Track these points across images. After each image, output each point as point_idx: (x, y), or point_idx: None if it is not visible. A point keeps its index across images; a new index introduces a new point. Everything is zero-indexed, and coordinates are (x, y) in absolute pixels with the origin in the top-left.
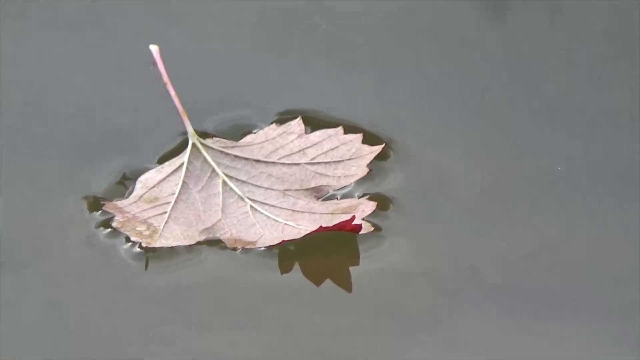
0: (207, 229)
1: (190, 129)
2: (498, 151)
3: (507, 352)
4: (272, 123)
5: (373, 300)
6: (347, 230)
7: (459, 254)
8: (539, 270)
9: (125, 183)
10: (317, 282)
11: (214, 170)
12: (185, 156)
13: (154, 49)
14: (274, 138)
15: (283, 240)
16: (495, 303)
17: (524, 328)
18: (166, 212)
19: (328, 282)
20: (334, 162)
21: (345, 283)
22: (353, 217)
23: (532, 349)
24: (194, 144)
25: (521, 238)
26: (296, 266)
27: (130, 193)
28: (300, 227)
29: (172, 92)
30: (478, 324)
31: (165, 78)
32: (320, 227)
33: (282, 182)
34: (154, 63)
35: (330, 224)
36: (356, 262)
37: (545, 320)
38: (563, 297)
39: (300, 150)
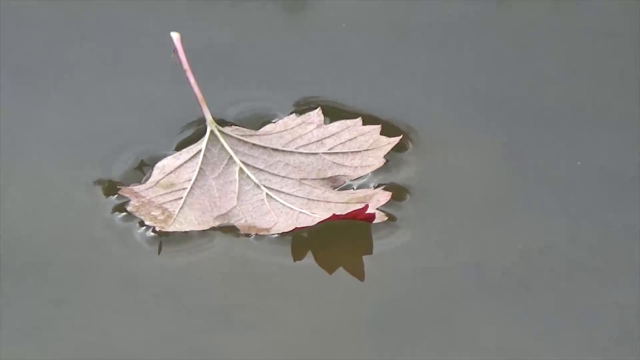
0: (221, 215)
1: (209, 117)
2: (518, 147)
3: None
4: (291, 113)
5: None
6: (360, 219)
7: (470, 248)
8: (555, 268)
9: (143, 169)
10: (330, 270)
11: (231, 158)
12: (203, 143)
13: (175, 36)
14: (292, 128)
15: (296, 228)
16: (507, 299)
17: (525, 327)
18: (182, 198)
19: (340, 270)
20: (351, 152)
21: (357, 272)
22: (366, 206)
23: (532, 349)
24: (212, 132)
25: (536, 235)
26: (309, 253)
27: (147, 179)
28: (315, 215)
29: (192, 80)
30: (485, 322)
31: (186, 65)
32: (334, 215)
33: (299, 171)
34: (175, 50)
35: (344, 213)
36: (369, 252)
37: (545, 320)
38: (564, 296)
39: (318, 140)
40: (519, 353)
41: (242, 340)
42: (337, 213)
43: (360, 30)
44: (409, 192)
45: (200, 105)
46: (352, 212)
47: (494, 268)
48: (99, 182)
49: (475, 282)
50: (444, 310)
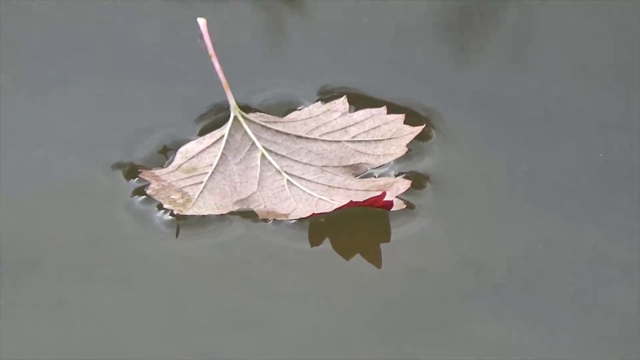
0: (241, 200)
1: (232, 103)
2: (542, 142)
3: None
4: (317, 101)
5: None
6: (378, 207)
7: (485, 241)
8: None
9: (167, 154)
10: (346, 256)
11: (253, 144)
12: (226, 129)
13: (201, 22)
14: (317, 115)
15: (313, 214)
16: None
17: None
18: (202, 182)
19: (357, 257)
20: (374, 140)
21: (374, 258)
22: (384, 194)
23: (532, 349)
24: (235, 117)
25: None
26: (326, 240)
27: (169, 163)
28: (334, 202)
29: (217, 65)
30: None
31: (211, 51)
32: (351, 201)
33: (321, 159)
34: (201, 36)
35: (361, 200)
36: (387, 239)
37: (546, 320)
38: (564, 296)
39: (342, 128)
40: (519, 353)
41: (256, 317)
42: (355, 199)
43: (387, 22)
44: (429, 180)
45: (224, 91)
46: (369, 199)
47: (497, 265)
48: (120, 165)
49: (476, 279)
50: (452, 302)
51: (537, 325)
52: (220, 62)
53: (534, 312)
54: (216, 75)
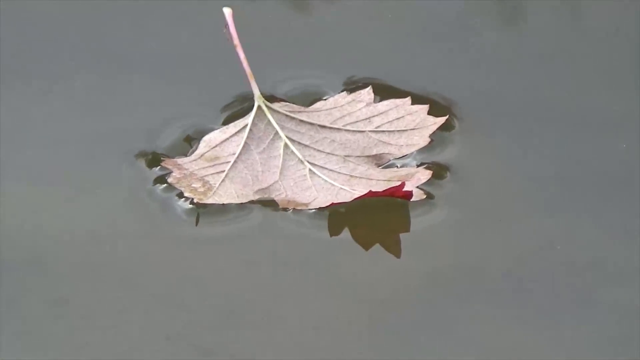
0: (262, 189)
1: (257, 92)
2: (564, 136)
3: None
4: (342, 91)
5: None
6: (398, 197)
7: (494, 236)
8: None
9: (191, 143)
10: (366, 246)
11: (277, 133)
12: (249, 118)
13: (227, 11)
14: (342, 105)
15: (333, 203)
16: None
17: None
18: (224, 171)
19: (377, 247)
20: (397, 131)
21: (393, 248)
22: (403, 184)
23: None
24: (259, 107)
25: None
26: (345, 229)
27: (193, 152)
28: (355, 192)
29: (242, 55)
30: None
31: (236, 40)
32: (370, 191)
33: (344, 148)
34: (227, 25)
35: (380, 190)
36: (407, 229)
37: (545, 320)
38: (565, 296)
39: (366, 119)
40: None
41: (273, 305)
42: (377, 190)
43: (411, 15)
44: (449, 170)
45: (249, 81)
46: (388, 189)
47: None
48: (143, 154)
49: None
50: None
51: (537, 326)
52: (245, 52)
53: (534, 311)
54: (241, 65)
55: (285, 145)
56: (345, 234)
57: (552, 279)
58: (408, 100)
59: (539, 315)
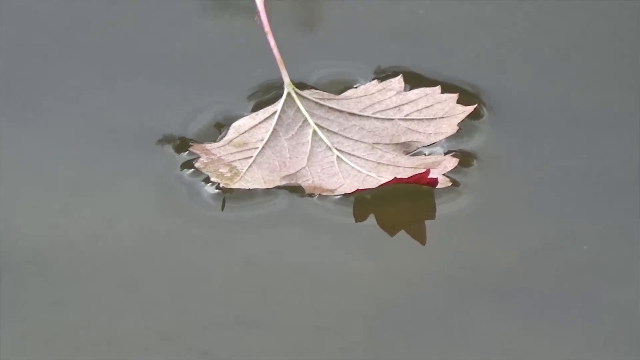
0: (289, 175)
1: (287, 79)
2: (595, 128)
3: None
4: (373, 79)
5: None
6: (423, 184)
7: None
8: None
9: (220, 129)
10: (391, 232)
11: (305, 120)
12: (279, 105)
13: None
14: (372, 94)
15: (357, 189)
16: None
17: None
18: (252, 157)
19: (402, 233)
20: (426, 119)
21: (418, 235)
22: (428, 171)
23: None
24: (289, 94)
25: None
26: (371, 215)
27: (222, 138)
28: (381, 178)
29: (272, 42)
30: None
31: (267, 27)
32: (395, 178)
33: (372, 136)
34: (258, 13)
35: (406, 177)
36: (432, 216)
37: (545, 320)
38: (564, 296)
39: (396, 107)
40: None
41: (293, 289)
42: (403, 177)
43: (443, 7)
44: (476, 158)
45: (279, 68)
46: (414, 176)
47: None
48: (171, 139)
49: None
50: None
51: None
52: (276, 40)
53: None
54: (271, 52)
55: (314, 132)
56: (371, 219)
57: (555, 278)
58: (438, 89)
59: (539, 315)
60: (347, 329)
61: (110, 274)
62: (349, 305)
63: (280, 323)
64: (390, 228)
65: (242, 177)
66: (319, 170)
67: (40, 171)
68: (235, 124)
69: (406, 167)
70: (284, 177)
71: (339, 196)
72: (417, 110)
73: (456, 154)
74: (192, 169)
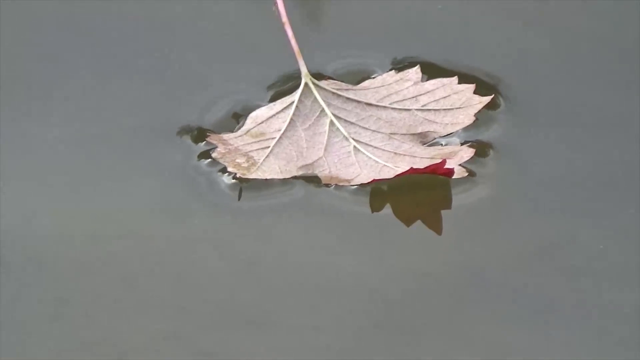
0: (306, 165)
1: (304, 70)
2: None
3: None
4: (391, 70)
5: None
6: (439, 174)
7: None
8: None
9: (237, 120)
10: (407, 222)
11: (323, 111)
12: (296, 95)
13: None
14: (389, 84)
15: (374, 180)
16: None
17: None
18: (269, 147)
19: (418, 223)
20: (443, 109)
21: (434, 225)
22: (444, 161)
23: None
24: (306, 84)
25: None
26: (387, 206)
27: (239, 128)
28: (398, 168)
29: (290, 33)
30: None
31: (284, 18)
32: (411, 168)
33: (389, 126)
34: (275, 3)
35: (422, 167)
36: (448, 206)
37: (545, 320)
38: (564, 297)
39: (413, 97)
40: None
41: (311, 278)
42: (419, 167)
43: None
44: (493, 149)
45: (297, 58)
46: (430, 166)
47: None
48: (189, 129)
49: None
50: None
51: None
52: (293, 31)
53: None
54: (289, 43)
55: (331, 123)
56: (387, 209)
57: (557, 278)
58: (455, 79)
59: (539, 315)
60: (348, 329)
61: (109, 273)
62: (350, 305)
63: (281, 322)
64: (406, 218)
65: (259, 167)
66: (335, 161)
67: (49, 166)
68: (253, 114)
69: (423, 158)
70: (301, 167)
71: (356, 186)
72: (434, 100)
73: (473, 144)
74: (210, 159)
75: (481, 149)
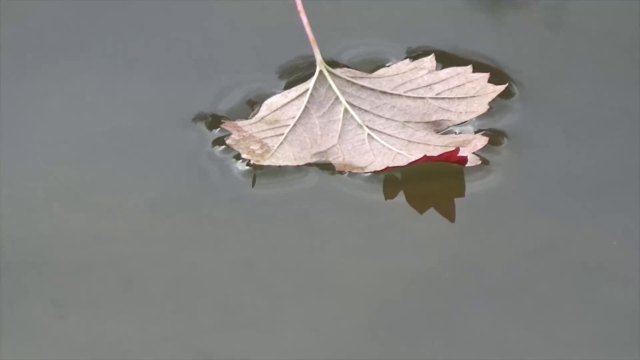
0: (320, 152)
1: (319, 57)
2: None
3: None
4: (405, 58)
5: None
6: (453, 162)
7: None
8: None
9: (252, 107)
10: (421, 210)
11: (337, 98)
12: (311, 83)
13: None
14: (404, 72)
15: (387, 167)
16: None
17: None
18: (283, 134)
19: (431, 211)
20: (457, 98)
21: (448, 213)
22: (457, 149)
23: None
24: (320, 72)
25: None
26: (400, 193)
27: (254, 115)
28: (412, 157)
29: (305, 21)
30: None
31: (300, 6)
32: (425, 156)
33: (404, 114)
34: None
35: (436, 155)
36: (461, 194)
37: (544, 320)
38: (564, 297)
39: (427, 85)
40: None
41: (324, 264)
42: (432, 155)
43: None
44: (506, 137)
45: (311, 46)
46: (444, 154)
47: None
48: (203, 116)
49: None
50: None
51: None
52: (308, 18)
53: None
54: (304, 30)
55: (345, 110)
56: (400, 197)
57: (556, 277)
58: (469, 68)
59: (538, 315)
60: (347, 328)
61: (109, 273)
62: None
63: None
64: (419, 206)
65: (273, 154)
66: (349, 148)
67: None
68: (268, 101)
69: (436, 146)
70: (315, 155)
71: (369, 174)
72: (449, 89)
73: (486, 132)
74: (224, 146)
75: (495, 138)
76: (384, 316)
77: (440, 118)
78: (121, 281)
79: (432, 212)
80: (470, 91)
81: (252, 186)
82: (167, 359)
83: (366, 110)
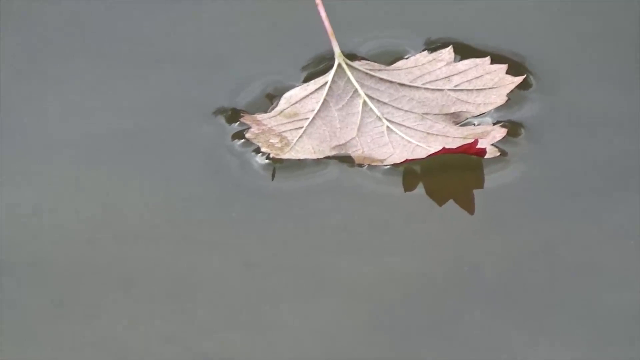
0: (339, 145)
1: (337, 50)
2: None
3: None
4: (423, 50)
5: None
6: (471, 154)
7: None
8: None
9: (271, 100)
10: (440, 202)
11: (356, 91)
12: (329, 76)
13: None
14: (422, 64)
15: (407, 160)
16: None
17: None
18: (302, 127)
19: (450, 203)
20: (476, 90)
21: (467, 205)
22: (476, 141)
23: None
24: (339, 65)
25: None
26: (420, 185)
27: (273, 109)
28: (431, 149)
29: (323, 13)
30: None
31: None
32: (444, 148)
33: (422, 106)
34: None
35: (455, 147)
36: (480, 186)
37: (544, 320)
38: (564, 296)
39: (445, 77)
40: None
41: (342, 259)
42: (451, 147)
43: None
44: (525, 128)
45: (330, 39)
46: (462, 146)
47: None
48: (223, 110)
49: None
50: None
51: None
52: (327, 11)
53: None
54: (322, 23)
55: (364, 103)
56: (420, 189)
57: (555, 278)
58: (487, 59)
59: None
60: (347, 328)
61: (109, 274)
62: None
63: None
64: (439, 198)
65: (292, 147)
66: (368, 141)
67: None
68: (287, 94)
69: (455, 137)
70: (334, 148)
71: (388, 166)
72: (467, 80)
73: (505, 124)
74: (243, 140)
75: (513, 129)
76: (384, 316)
77: (459, 110)
78: (121, 281)
79: (451, 204)
80: (489, 83)
81: (272, 179)
82: (167, 359)
83: (385, 103)
